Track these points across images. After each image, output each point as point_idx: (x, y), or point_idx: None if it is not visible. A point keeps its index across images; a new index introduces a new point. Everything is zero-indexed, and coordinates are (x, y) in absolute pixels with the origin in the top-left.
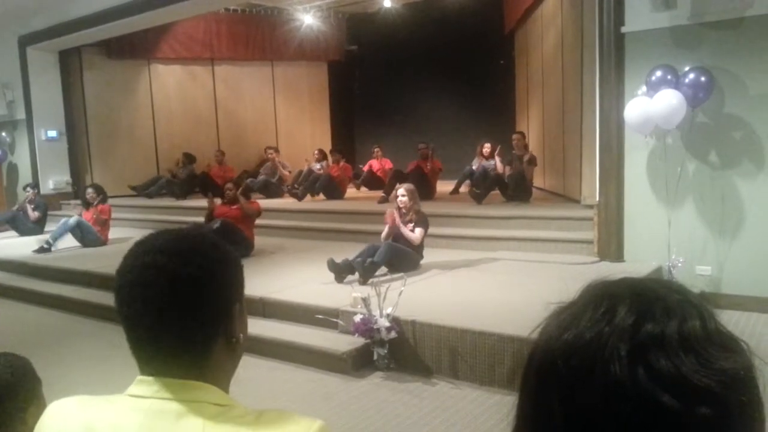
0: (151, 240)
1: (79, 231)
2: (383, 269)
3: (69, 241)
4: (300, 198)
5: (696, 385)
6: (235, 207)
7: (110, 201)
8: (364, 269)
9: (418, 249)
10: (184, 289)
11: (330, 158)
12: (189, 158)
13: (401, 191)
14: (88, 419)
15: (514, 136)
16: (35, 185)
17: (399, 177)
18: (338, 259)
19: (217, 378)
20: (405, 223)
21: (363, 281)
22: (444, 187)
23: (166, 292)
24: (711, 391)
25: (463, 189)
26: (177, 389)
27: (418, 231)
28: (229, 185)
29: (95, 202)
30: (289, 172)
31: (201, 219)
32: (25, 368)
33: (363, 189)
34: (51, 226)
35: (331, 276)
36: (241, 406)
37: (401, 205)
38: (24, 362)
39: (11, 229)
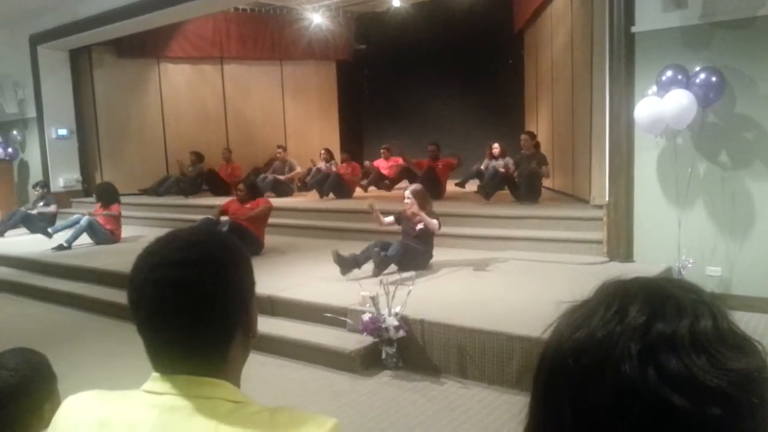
0: (162, 250)
1: (91, 230)
2: (392, 267)
3: (82, 239)
4: (308, 189)
5: (707, 385)
6: (247, 206)
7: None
8: (380, 260)
9: (428, 248)
10: (202, 300)
11: (339, 158)
12: (198, 157)
13: (407, 193)
14: (103, 414)
15: (523, 137)
16: (45, 184)
17: (407, 175)
18: (345, 254)
19: (231, 374)
20: (415, 223)
21: (377, 272)
22: (453, 186)
23: (185, 306)
24: (722, 391)
25: (471, 187)
26: (192, 386)
27: (435, 221)
28: (241, 186)
29: (99, 204)
30: (300, 168)
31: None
32: (42, 364)
33: (371, 189)
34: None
35: (340, 275)
36: (255, 403)
37: (406, 206)
38: (41, 358)
39: (25, 227)
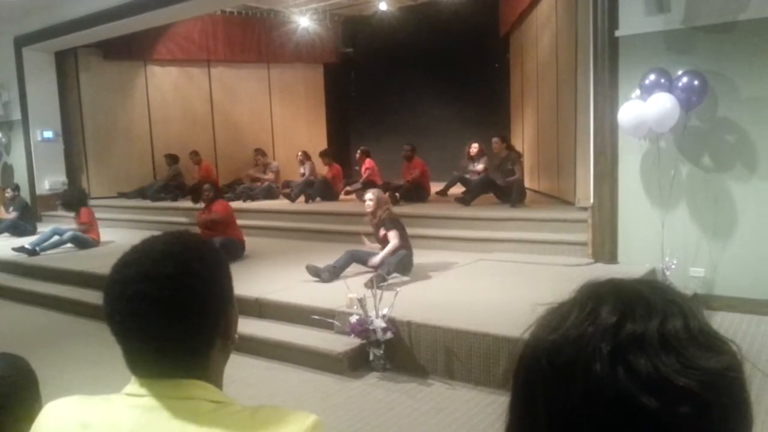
0: (136, 263)
1: (78, 243)
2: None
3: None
4: (293, 200)
5: (675, 384)
6: (204, 214)
7: (105, 201)
8: (381, 280)
9: (408, 251)
10: (178, 313)
11: (321, 160)
12: (173, 159)
13: (368, 195)
14: (84, 417)
15: (494, 140)
16: (15, 187)
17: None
18: (320, 265)
19: (212, 377)
20: (377, 227)
21: (370, 285)
22: (437, 188)
23: (160, 320)
24: (691, 391)
25: (454, 192)
26: (173, 388)
27: (392, 235)
28: (207, 186)
29: (72, 212)
30: (273, 172)
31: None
32: (26, 369)
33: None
34: (43, 227)
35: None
36: (236, 403)
37: (368, 210)
38: (24, 363)
39: (12, 234)
